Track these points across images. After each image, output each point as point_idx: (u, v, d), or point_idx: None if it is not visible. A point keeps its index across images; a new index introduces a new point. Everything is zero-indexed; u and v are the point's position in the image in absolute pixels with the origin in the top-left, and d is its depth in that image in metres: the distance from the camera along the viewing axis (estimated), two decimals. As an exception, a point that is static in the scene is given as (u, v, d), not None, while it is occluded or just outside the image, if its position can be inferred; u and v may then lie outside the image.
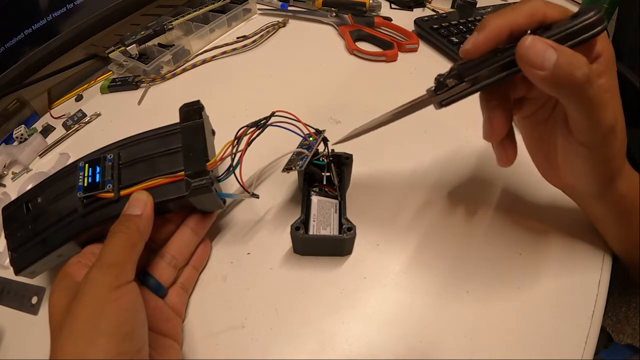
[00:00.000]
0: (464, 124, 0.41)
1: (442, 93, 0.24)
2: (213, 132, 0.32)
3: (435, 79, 0.24)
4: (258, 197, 0.30)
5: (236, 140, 0.28)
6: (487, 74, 0.22)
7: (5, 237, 0.28)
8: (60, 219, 0.27)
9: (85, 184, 0.27)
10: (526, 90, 0.25)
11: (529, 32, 0.21)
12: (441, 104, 0.24)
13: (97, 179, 0.27)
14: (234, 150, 0.28)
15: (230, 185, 0.34)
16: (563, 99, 0.21)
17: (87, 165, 0.27)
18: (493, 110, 0.24)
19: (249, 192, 0.29)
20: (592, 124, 0.21)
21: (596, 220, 0.30)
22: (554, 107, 0.25)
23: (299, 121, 0.30)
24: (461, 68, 0.23)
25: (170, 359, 0.24)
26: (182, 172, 0.27)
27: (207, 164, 0.27)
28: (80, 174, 0.27)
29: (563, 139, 0.25)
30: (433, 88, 0.24)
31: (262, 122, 0.29)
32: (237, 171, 0.28)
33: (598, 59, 0.22)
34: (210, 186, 0.26)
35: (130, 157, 0.28)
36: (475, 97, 0.25)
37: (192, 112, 0.29)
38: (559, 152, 0.26)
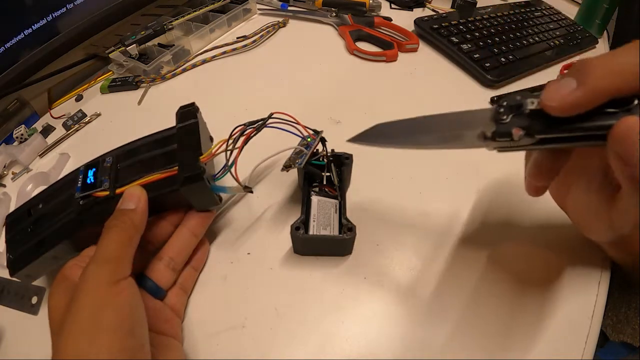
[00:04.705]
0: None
1: (502, 141, 0.19)
2: (211, 139, 0.32)
3: (495, 118, 0.19)
4: (252, 191, 0.30)
5: (231, 139, 0.28)
6: (562, 139, 0.19)
7: (6, 243, 0.28)
8: (57, 220, 0.27)
9: (83, 185, 0.27)
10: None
11: (636, 101, 0.17)
12: (499, 150, 0.21)
13: (95, 180, 0.27)
14: (230, 148, 0.28)
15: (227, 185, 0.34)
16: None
17: (86, 168, 0.28)
18: (550, 160, 0.22)
19: (241, 185, 0.29)
20: None
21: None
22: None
23: (297, 123, 0.30)
24: (534, 123, 0.18)
25: (174, 357, 0.24)
26: (176, 167, 0.27)
27: (200, 157, 0.27)
28: (80, 177, 0.28)
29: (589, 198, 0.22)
30: (493, 130, 0.19)
31: (259, 122, 0.29)
32: (232, 169, 0.28)
33: None
34: (200, 174, 0.26)
35: (127, 159, 0.29)
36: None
37: (187, 114, 0.30)
38: (577, 202, 0.24)
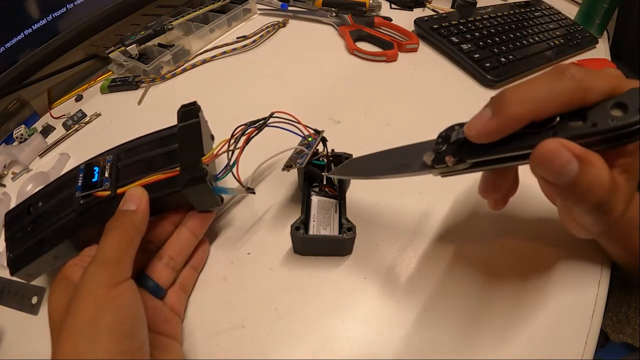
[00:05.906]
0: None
1: (440, 168, 0.21)
2: (212, 137, 0.32)
3: (434, 148, 0.21)
4: (254, 192, 0.30)
5: (233, 139, 0.28)
6: (492, 161, 0.20)
7: (5, 241, 0.28)
8: (58, 219, 0.27)
9: (84, 184, 0.27)
10: None
11: (557, 118, 0.18)
12: (442, 175, 0.23)
13: (96, 179, 0.27)
14: (232, 148, 0.28)
15: (228, 186, 0.34)
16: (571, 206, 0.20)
17: (87, 167, 0.28)
18: (493, 177, 0.23)
19: (244, 187, 0.29)
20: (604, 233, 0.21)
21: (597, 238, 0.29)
22: None
23: (298, 122, 0.30)
24: (462, 150, 0.20)
25: (173, 358, 0.24)
26: (178, 168, 0.27)
27: (202, 158, 0.27)
28: (80, 175, 0.27)
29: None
30: (432, 159, 0.22)
31: (261, 122, 0.29)
32: (234, 169, 0.28)
33: (629, 171, 0.19)
34: (203, 176, 0.26)
35: (128, 158, 0.29)
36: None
37: (189, 112, 0.30)
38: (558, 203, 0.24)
